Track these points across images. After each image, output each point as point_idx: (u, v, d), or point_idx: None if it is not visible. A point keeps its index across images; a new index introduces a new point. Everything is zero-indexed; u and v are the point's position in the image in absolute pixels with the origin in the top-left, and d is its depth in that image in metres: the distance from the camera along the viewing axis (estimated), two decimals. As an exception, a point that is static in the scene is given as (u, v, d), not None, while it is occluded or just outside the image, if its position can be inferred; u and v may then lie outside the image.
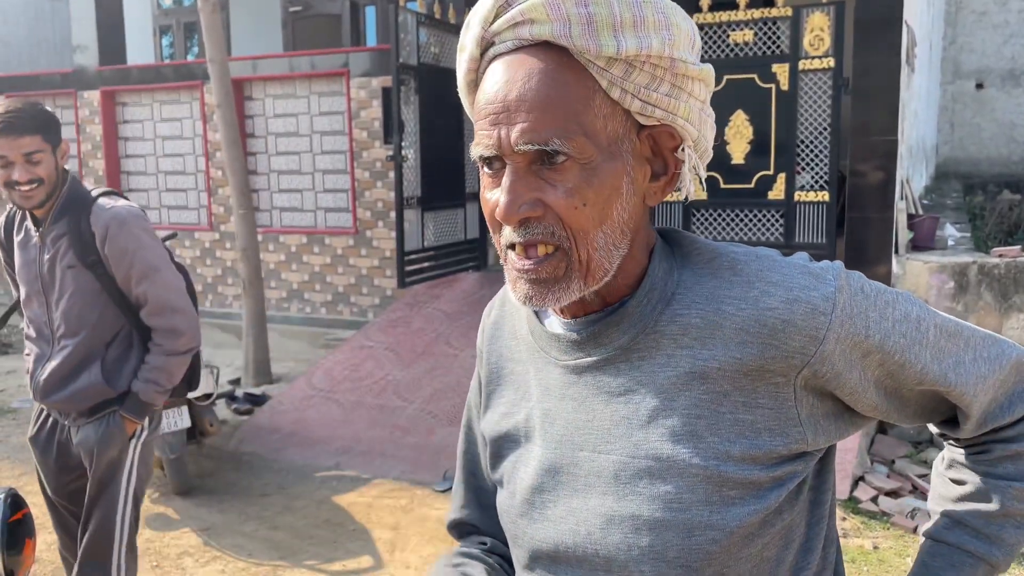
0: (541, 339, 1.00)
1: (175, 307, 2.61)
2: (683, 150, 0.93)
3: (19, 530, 1.78)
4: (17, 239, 2.67)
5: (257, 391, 6.31)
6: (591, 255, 0.89)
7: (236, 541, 4.03)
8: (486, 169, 0.91)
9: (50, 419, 2.72)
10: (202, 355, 2.97)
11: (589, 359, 0.95)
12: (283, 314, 8.16)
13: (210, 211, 8.56)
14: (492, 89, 0.88)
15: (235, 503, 4.47)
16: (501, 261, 0.94)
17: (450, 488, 4.54)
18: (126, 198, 2.70)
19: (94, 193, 2.60)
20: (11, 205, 2.63)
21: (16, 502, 1.81)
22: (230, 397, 6.06)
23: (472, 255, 7.63)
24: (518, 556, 1.02)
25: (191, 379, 2.83)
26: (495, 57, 0.89)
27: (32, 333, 2.68)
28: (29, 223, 2.63)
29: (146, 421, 2.67)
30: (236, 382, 6.70)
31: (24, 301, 2.69)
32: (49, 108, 9.03)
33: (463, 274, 7.49)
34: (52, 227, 2.55)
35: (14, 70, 10.41)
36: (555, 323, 0.99)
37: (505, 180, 0.88)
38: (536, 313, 1.02)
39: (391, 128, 7.36)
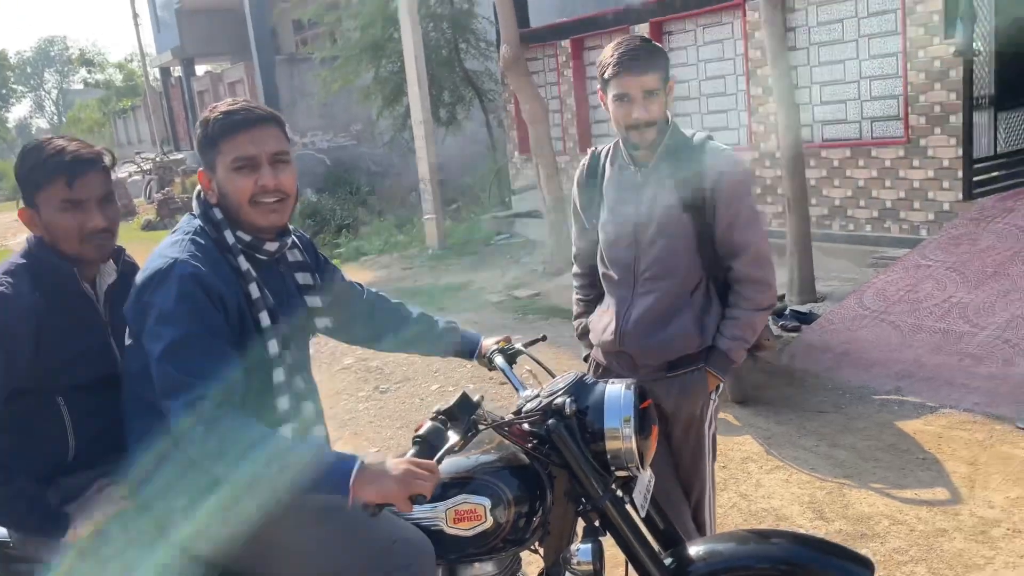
0: None
1: (769, 259, 2.45)
2: None
3: (647, 417, 2.00)
4: (608, 178, 2.55)
5: (803, 309, 6.27)
6: None
7: (796, 454, 4.10)
8: None
9: (599, 370, 2.62)
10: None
11: None
12: (824, 231, 7.92)
13: (750, 130, 8.62)
14: None
15: (792, 416, 4.54)
16: None
17: (1039, 427, 3.99)
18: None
19: (699, 135, 2.46)
20: (604, 147, 2.58)
21: (642, 392, 2.04)
22: (777, 314, 6.12)
23: (1058, 160, 6.47)
24: None
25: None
26: None
27: (613, 275, 2.55)
28: (625, 161, 2.50)
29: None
30: (780, 299, 6.74)
31: (610, 243, 2.55)
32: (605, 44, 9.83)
33: (1045, 183, 6.41)
34: (659, 165, 2.43)
35: (574, 15, 11.62)
36: None
37: None
38: None
39: (952, 20, 6.53)
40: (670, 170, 2.42)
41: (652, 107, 2.35)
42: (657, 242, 2.43)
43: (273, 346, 1.88)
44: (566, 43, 10.69)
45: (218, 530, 1.86)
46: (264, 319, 1.86)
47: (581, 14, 10.99)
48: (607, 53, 2.39)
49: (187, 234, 1.86)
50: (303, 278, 2.05)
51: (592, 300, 2.74)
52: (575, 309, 2.80)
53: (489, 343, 2.39)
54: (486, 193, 13.67)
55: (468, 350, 2.38)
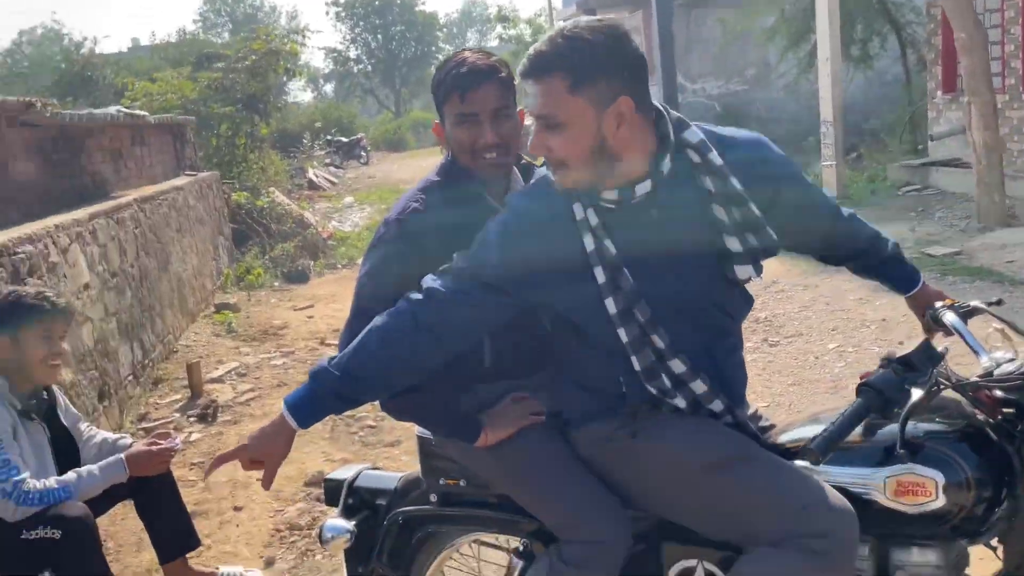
0: None
1: None
2: None
3: None
4: None
5: None
6: None
7: None
8: None
9: None
10: None
11: None
12: None
13: None
14: None
15: None
16: None
17: None
18: None
19: None
20: None
21: None
22: None
23: None
24: None
25: None
26: None
27: None
28: None
29: None
30: None
31: None
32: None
33: None
34: None
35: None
36: None
37: None
38: None
39: None
40: None
41: None
42: None
43: (611, 304, 1.69)
44: (1019, -40, 9.04)
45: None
46: (599, 274, 1.69)
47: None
48: None
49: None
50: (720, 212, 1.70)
51: None
52: None
53: (931, 294, 2.03)
54: (896, 138, 12.29)
55: (906, 282, 2.06)
